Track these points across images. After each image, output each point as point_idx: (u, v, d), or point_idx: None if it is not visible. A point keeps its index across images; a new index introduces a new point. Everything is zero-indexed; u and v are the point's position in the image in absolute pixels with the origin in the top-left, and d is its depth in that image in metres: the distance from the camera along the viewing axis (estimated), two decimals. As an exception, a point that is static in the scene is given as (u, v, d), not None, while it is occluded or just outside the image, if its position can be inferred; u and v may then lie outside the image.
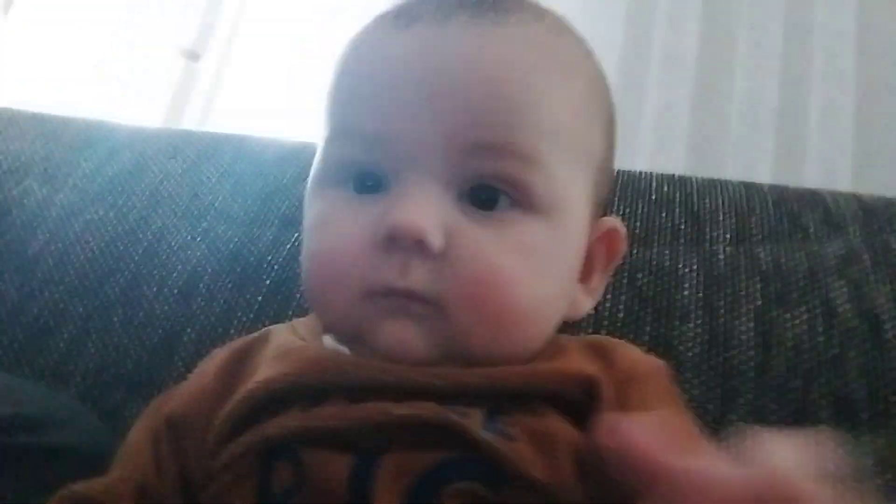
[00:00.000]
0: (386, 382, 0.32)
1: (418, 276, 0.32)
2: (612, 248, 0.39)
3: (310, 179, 0.37)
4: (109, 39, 1.52)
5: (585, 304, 0.39)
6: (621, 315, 0.49)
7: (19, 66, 1.41)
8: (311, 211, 0.37)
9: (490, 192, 0.33)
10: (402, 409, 0.30)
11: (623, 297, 0.50)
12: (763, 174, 1.00)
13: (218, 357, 0.39)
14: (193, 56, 1.53)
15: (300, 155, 0.65)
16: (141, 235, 0.59)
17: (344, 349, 0.35)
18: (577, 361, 0.34)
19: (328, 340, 0.37)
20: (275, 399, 0.33)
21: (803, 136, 1.03)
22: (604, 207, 0.40)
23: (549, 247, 0.34)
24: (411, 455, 0.30)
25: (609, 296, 0.50)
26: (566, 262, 0.36)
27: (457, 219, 0.33)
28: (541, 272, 0.34)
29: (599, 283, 0.39)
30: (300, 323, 0.40)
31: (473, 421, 0.30)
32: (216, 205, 0.61)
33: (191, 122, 1.45)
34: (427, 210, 0.32)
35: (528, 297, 0.33)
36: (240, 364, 0.37)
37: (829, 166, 1.00)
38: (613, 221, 0.40)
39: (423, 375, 0.32)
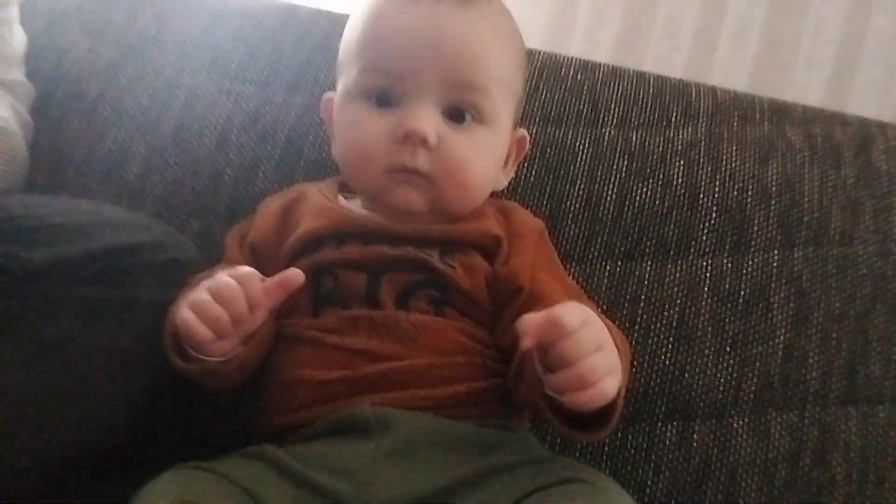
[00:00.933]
0: (382, 231, 0.56)
1: (422, 160, 0.55)
2: (520, 148, 0.64)
3: (340, 93, 0.60)
4: None
5: (503, 181, 0.64)
6: (532, 179, 0.73)
7: None
8: (345, 115, 0.58)
9: (460, 112, 0.56)
10: (394, 251, 0.55)
11: (535, 166, 0.73)
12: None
13: (273, 205, 0.62)
14: None
15: (294, 18, 0.81)
16: (177, 91, 0.77)
17: (357, 208, 0.59)
18: (492, 223, 0.59)
19: (342, 200, 0.60)
20: (315, 240, 0.56)
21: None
22: (518, 120, 0.63)
23: (492, 145, 0.58)
24: (399, 275, 0.55)
25: (526, 165, 0.73)
26: (498, 155, 0.60)
27: (443, 127, 0.55)
28: (487, 161, 0.58)
29: (512, 167, 0.64)
30: (324, 187, 0.62)
31: (433, 257, 0.55)
32: (233, 66, 0.78)
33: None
34: (429, 121, 0.54)
35: (480, 175, 0.58)
36: (289, 213, 0.60)
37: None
38: (523, 132, 0.64)
39: (405, 228, 0.56)
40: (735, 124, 0.77)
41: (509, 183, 0.71)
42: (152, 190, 0.73)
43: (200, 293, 0.48)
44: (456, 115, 0.56)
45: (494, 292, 0.56)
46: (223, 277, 0.49)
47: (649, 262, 0.70)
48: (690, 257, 0.70)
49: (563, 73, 0.79)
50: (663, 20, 1.18)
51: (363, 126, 0.56)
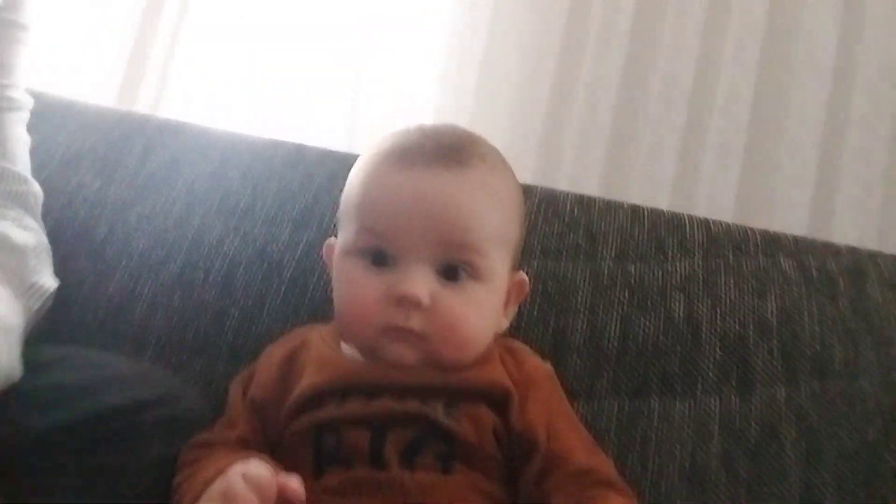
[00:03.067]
0: (387, 384, 0.56)
1: (415, 322, 0.55)
2: (520, 290, 0.65)
3: (339, 247, 0.61)
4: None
5: (504, 324, 0.64)
6: (535, 314, 0.73)
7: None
8: (344, 272, 0.59)
9: (454, 271, 0.57)
10: (398, 406, 0.55)
11: (537, 300, 0.74)
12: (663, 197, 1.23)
13: (275, 355, 0.62)
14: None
15: (303, 159, 0.84)
16: (185, 230, 0.78)
17: (359, 356, 0.59)
18: (499, 370, 0.59)
19: (345, 348, 0.60)
20: (318, 396, 0.56)
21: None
22: (517, 265, 0.64)
23: (487, 300, 0.59)
24: (404, 430, 0.54)
25: (527, 299, 0.74)
26: (495, 307, 0.61)
27: (436, 287, 0.56)
28: (483, 316, 0.59)
29: (512, 310, 0.65)
30: (326, 332, 0.62)
31: (437, 411, 0.54)
32: (241, 205, 0.80)
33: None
34: (422, 283, 0.55)
35: (475, 332, 0.58)
36: (291, 364, 0.60)
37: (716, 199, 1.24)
38: (522, 276, 0.65)
39: (408, 379, 0.56)
40: (730, 257, 0.79)
41: (514, 319, 0.72)
42: (156, 330, 0.73)
43: None
44: (450, 273, 0.57)
45: (508, 447, 0.55)
46: (238, 487, 0.47)
47: (657, 399, 0.70)
48: (698, 394, 0.70)
49: (560, 208, 0.82)
50: (646, 148, 1.23)
51: (359, 285, 0.57)
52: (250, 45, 1.37)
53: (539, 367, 0.61)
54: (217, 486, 0.48)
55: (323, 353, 0.60)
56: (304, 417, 0.55)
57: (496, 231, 0.59)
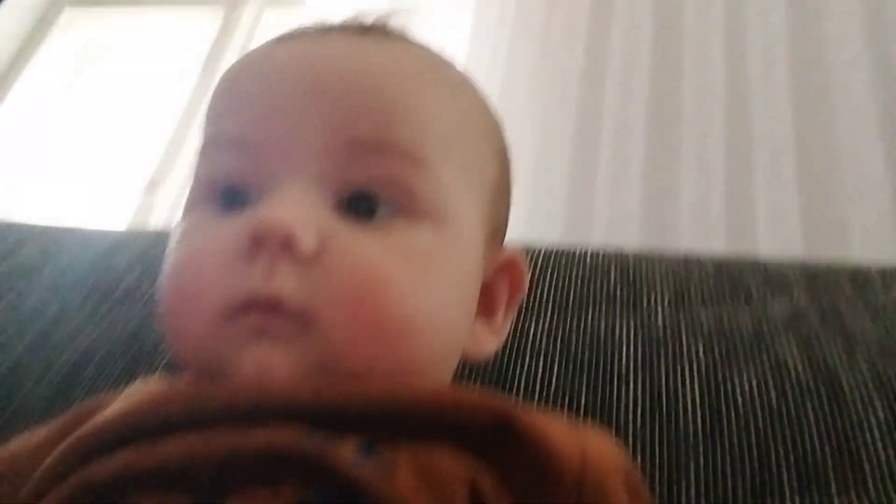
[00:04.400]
0: (240, 407, 0.26)
1: (286, 282, 0.28)
2: (514, 282, 0.36)
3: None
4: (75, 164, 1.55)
5: (490, 343, 0.35)
6: (552, 385, 0.44)
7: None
8: (174, 233, 0.32)
9: (369, 201, 0.30)
10: (254, 437, 0.25)
11: (555, 366, 0.45)
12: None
13: (63, 415, 0.33)
14: (153, 185, 1.54)
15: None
16: (34, 322, 0.54)
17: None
18: (485, 397, 0.29)
19: None
20: (106, 442, 0.27)
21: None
22: (501, 242, 0.37)
23: (437, 255, 0.31)
24: (265, 495, 0.24)
25: (539, 364, 0.45)
26: (457, 277, 0.32)
27: (333, 224, 0.29)
28: (428, 281, 0.30)
29: (504, 319, 0.36)
30: (166, 377, 0.34)
31: (345, 450, 0.25)
32: (120, 287, 0.56)
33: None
34: (298, 209, 0.28)
35: (412, 307, 0.29)
36: (86, 418, 0.31)
37: (779, 237, 0.99)
38: (513, 252, 0.36)
39: (286, 394, 0.27)
40: (849, 291, 0.51)
41: (521, 391, 0.44)
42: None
43: None
44: (361, 206, 0.30)
45: None
46: None
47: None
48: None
49: (578, 260, 0.56)
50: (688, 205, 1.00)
51: (189, 244, 0.31)
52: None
53: (610, 451, 0.29)
54: None
55: (138, 387, 0.33)
56: (68, 481, 0.26)
57: (449, 134, 0.32)
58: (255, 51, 0.35)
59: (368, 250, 0.29)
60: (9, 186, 1.58)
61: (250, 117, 0.31)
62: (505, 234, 0.39)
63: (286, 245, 0.27)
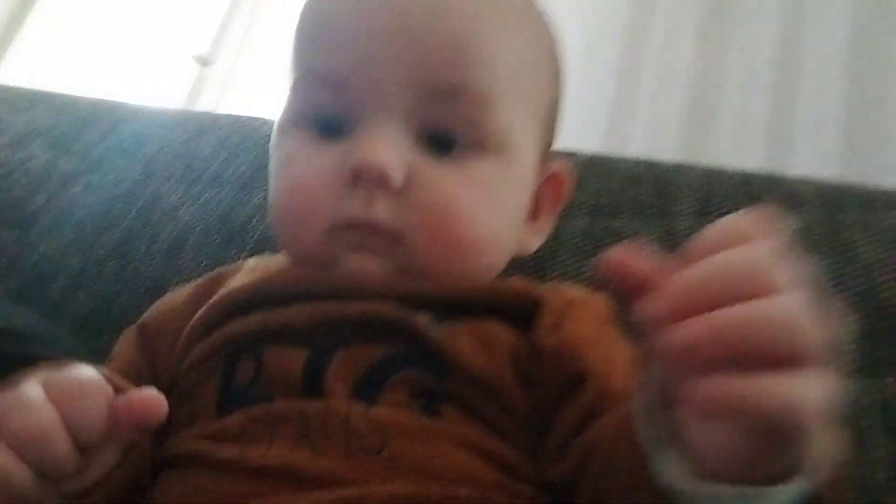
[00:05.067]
0: (344, 288, 0.35)
1: (381, 209, 0.35)
2: (558, 190, 0.43)
3: (276, 123, 0.40)
4: (127, 39, 1.58)
5: (534, 242, 0.42)
6: (584, 275, 0.52)
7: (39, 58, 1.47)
8: (278, 151, 0.39)
9: (447, 136, 0.36)
10: (355, 307, 0.33)
11: (586, 261, 0.53)
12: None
13: (194, 282, 0.42)
14: (205, 61, 1.59)
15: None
16: (136, 198, 0.62)
17: None
18: (522, 284, 0.37)
19: None
20: (241, 305, 0.35)
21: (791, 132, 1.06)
22: (550, 150, 0.43)
23: (501, 183, 0.37)
24: (362, 349, 0.32)
25: (571, 259, 0.53)
26: (516, 199, 0.39)
27: (416, 158, 0.36)
28: (493, 206, 0.37)
29: (547, 222, 0.43)
30: (275, 256, 0.43)
31: (421, 320, 0.33)
32: (209, 171, 0.64)
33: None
34: (389, 149, 0.35)
35: (481, 229, 0.36)
36: (213, 286, 0.40)
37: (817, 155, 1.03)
38: (560, 164, 0.43)
39: (378, 283, 0.35)
40: (855, 213, 0.56)
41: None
42: (75, 308, 0.55)
43: None
44: (439, 141, 0.36)
45: (531, 380, 0.32)
46: (28, 394, 0.26)
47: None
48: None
49: (615, 167, 0.62)
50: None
51: (296, 165, 0.37)
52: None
53: (586, 294, 0.39)
54: None
55: (256, 263, 0.41)
56: (214, 335, 0.35)
57: (515, 72, 0.37)
58: None
59: (445, 184, 0.35)
60: (61, 59, 1.62)
61: (343, 58, 0.36)
62: (554, 142, 0.45)
63: (381, 180, 0.34)
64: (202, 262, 0.56)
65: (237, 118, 0.72)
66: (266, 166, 0.63)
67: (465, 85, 0.36)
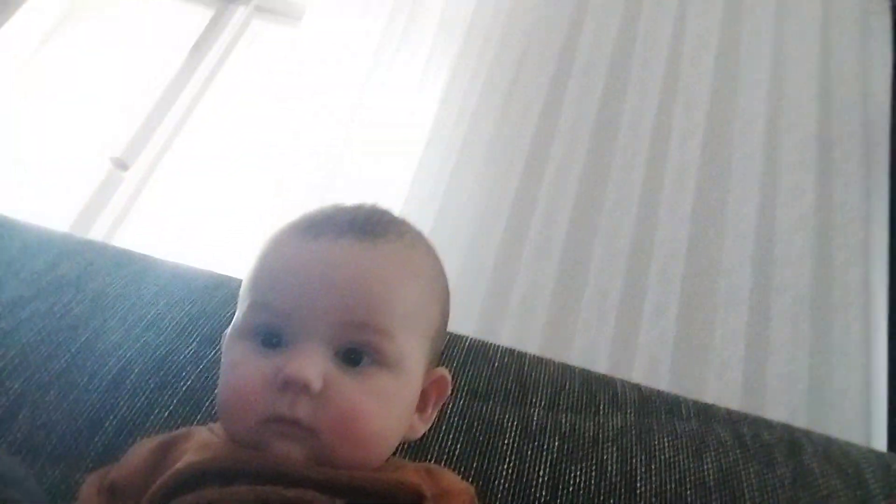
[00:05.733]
0: (280, 472, 0.47)
1: (302, 410, 0.47)
2: (441, 390, 0.58)
3: (230, 329, 0.53)
4: (39, 137, 1.62)
5: (420, 429, 0.56)
6: (457, 453, 0.66)
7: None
8: (229, 354, 0.52)
9: (357, 354, 0.50)
10: (291, 493, 0.45)
11: (461, 440, 0.67)
12: (602, 358, 1.25)
13: (148, 444, 0.52)
14: (122, 165, 1.66)
15: (225, 286, 0.80)
16: (81, 330, 0.71)
17: None
18: (413, 477, 0.50)
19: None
20: (197, 477, 0.46)
21: (637, 327, 1.30)
22: (438, 360, 0.58)
23: (395, 392, 0.51)
24: None
25: (451, 437, 0.67)
26: (405, 401, 0.53)
27: (332, 371, 0.49)
28: (388, 409, 0.51)
29: (432, 413, 0.57)
30: (215, 427, 0.54)
31: None
32: (150, 315, 0.74)
33: (100, 230, 1.54)
34: (312, 364, 0.48)
35: (377, 426, 0.50)
36: (168, 451, 0.51)
37: (653, 361, 1.26)
38: (443, 371, 0.58)
39: (306, 470, 0.47)
40: (663, 417, 0.75)
41: (433, 456, 0.65)
42: (15, 430, 0.62)
43: None
44: (351, 357, 0.49)
45: None
46: None
47: (589, 556, 0.61)
48: (635, 552, 0.62)
49: (490, 355, 0.78)
50: (584, 322, 1.24)
51: (243, 369, 0.50)
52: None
53: (459, 482, 0.53)
54: None
55: (208, 439, 0.51)
56: (176, 502, 0.45)
57: (409, 313, 0.52)
58: (289, 239, 0.53)
59: (351, 392, 0.49)
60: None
61: (288, 298, 0.50)
62: (439, 356, 0.60)
63: (304, 388, 0.47)
64: (137, 402, 0.65)
65: (176, 266, 0.82)
66: (200, 317, 0.75)
67: (371, 323, 0.50)
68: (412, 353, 0.52)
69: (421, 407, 0.56)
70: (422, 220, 1.22)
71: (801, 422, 1.15)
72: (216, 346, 0.71)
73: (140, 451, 0.52)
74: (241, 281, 0.81)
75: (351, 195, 1.50)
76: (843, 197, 1.45)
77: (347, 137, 1.52)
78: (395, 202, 1.39)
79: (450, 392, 0.59)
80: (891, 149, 1.54)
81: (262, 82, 1.80)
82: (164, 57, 1.86)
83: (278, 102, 1.57)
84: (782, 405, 1.22)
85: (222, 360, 0.53)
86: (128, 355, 0.69)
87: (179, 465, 0.48)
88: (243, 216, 1.43)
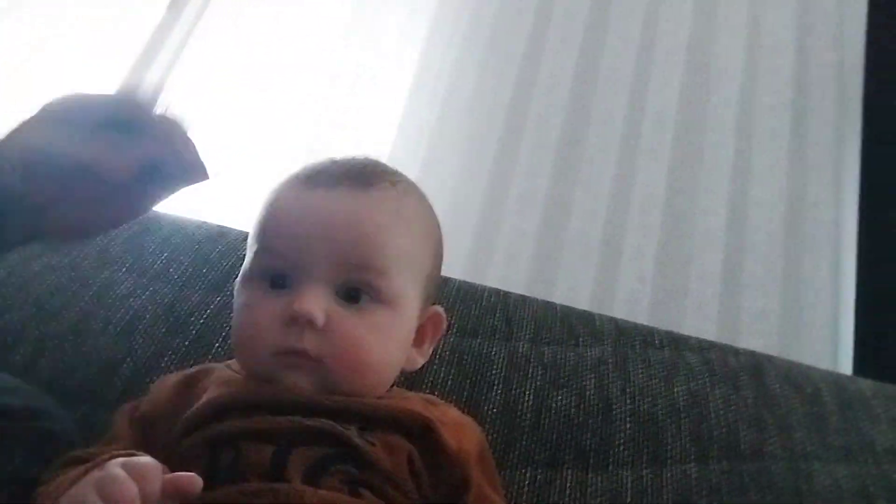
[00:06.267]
0: (296, 402, 0.52)
1: (309, 342, 0.52)
2: (436, 326, 0.63)
3: (240, 274, 0.58)
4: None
5: (418, 361, 0.62)
6: (449, 383, 0.72)
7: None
8: (241, 297, 0.57)
9: (356, 292, 0.55)
10: (309, 422, 0.51)
11: (452, 372, 0.73)
12: (584, 298, 1.31)
13: (172, 378, 0.57)
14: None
15: (225, 236, 0.84)
16: (90, 283, 0.75)
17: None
18: (418, 406, 0.56)
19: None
20: (221, 410, 0.52)
21: (617, 269, 1.36)
22: (433, 300, 0.63)
23: (392, 325, 0.56)
24: (311, 448, 0.50)
25: (443, 369, 0.72)
26: (402, 335, 0.58)
27: (334, 307, 0.54)
28: (386, 341, 0.56)
29: (429, 347, 0.63)
30: (232, 363, 0.59)
31: (352, 432, 0.51)
32: (156, 266, 0.78)
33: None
34: (316, 301, 0.53)
35: (377, 357, 0.55)
36: (191, 385, 0.56)
37: (632, 301, 1.33)
38: (438, 309, 0.63)
39: (321, 399, 0.53)
40: (638, 347, 0.81)
41: (428, 387, 0.70)
42: (38, 374, 0.67)
43: (87, 492, 0.41)
44: (351, 294, 0.54)
45: (426, 481, 0.51)
46: (116, 472, 0.41)
47: (570, 471, 0.67)
48: (610, 467, 0.68)
49: (478, 296, 0.84)
50: (566, 264, 1.30)
51: (254, 309, 0.55)
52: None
53: (466, 417, 0.59)
54: (91, 477, 0.42)
55: (227, 374, 0.56)
56: (201, 432, 0.50)
57: (403, 254, 0.56)
58: (290, 189, 0.57)
59: (352, 325, 0.54)
60: None
61: (291, 243, 0.55)
62: (434, 296, 0.65)
63: (309, 322, 0.52)
64: (150, 348, 0.70)
65: (177, 219, 0.86)
66: (204, 266, 0.79)
67: (368, 263, 0.55)
68: (407, 291, 0.57)
69: (419, 341, 0.61)
70: (408, 169, 1.25)
71: (773, 353, 1.22)
72: (221, 293, 0.76)
73: (165, 385, 0.57)
74: (239, 231, 0.86)
75: (337, 147, 1.53)
76: (817, 138, 1.50)
77: (332, 89, 1.54)
78: (381, 152, 1.42)
79: (445, 328, 0.65)
80: (864, 91, 1.59)
81: (244, 35, 1.80)
82: (143, 11, 1.85)
83: (261, 55, 1.58)
84: (756, 338, 1.30)
85: (234, 302, 0.58)
86: (137, 304, 0.74)
87: (203, 399, 0.53)
88: (230, 168, 1.46)
